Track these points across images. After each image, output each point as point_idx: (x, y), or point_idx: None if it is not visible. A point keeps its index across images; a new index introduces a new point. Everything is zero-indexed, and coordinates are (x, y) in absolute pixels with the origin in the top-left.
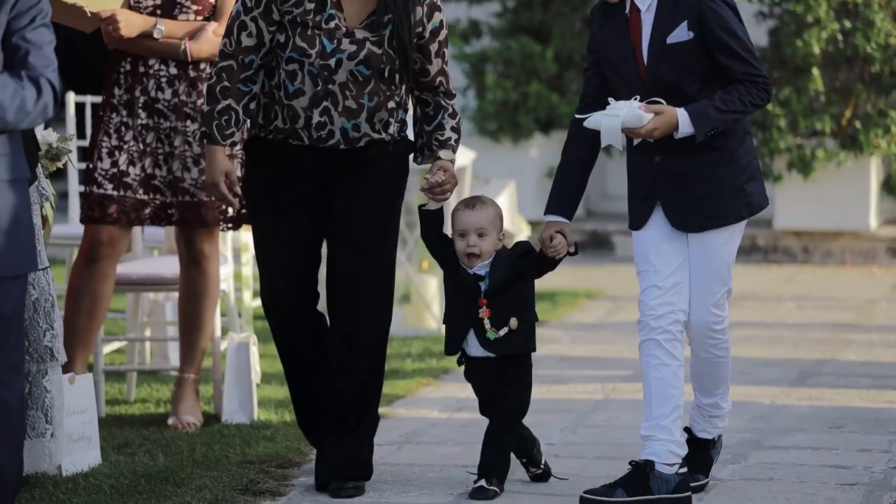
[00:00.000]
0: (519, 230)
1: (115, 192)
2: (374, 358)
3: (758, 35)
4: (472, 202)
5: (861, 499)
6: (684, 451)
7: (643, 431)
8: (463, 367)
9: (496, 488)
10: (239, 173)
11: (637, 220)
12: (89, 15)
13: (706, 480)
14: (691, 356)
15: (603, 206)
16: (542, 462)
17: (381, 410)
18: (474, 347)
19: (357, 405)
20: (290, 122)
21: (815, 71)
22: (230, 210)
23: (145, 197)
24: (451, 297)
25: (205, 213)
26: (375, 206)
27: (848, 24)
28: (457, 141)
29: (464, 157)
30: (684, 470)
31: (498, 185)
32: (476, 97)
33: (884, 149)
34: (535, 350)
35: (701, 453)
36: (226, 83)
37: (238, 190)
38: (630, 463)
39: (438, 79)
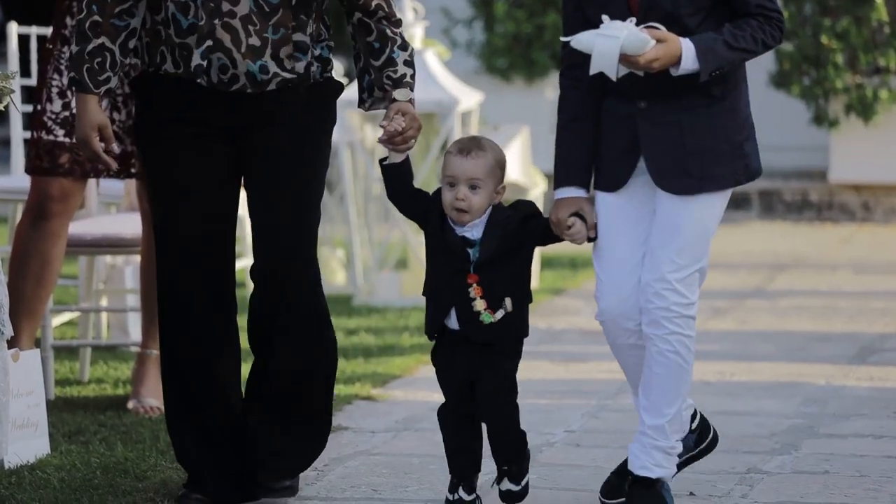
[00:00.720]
0: (533, 184)
1: (67, 139)
2: (312, 302)
3: None
4: (467, 147)
5: None
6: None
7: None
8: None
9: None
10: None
11: (614, 179)
12: None
13: None
14: (647, 355)
15: None
16: (525, 480)
17: (373, 392)
18: (454, 321)
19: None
20: (182, 65)
21: None
22: None
23: (102, 144)
24: (434, 263)
25: None
26: (294, 163)
27: None
28: (413, 77)
29: (470, 99)
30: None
31: (509, 131)
32: (484, 30)
33: None
34: (527, 335)
35: (641, 497)
36: (97, 17)
37: (115, 148)
38: (620, 470)
39: (376, 1)
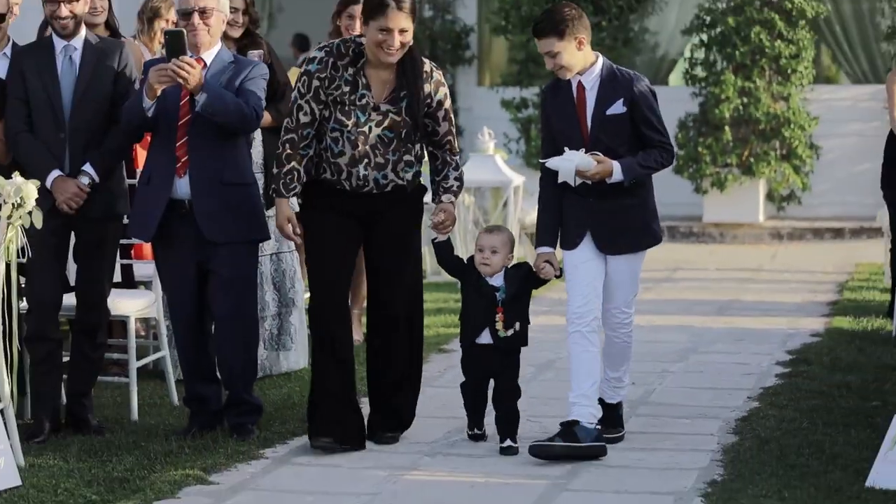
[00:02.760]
0: None
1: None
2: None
3: (692, 106)
4: (492, 228)
5: (754, 382)
6: (600, 413)
7: (571, 399)
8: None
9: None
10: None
11: (571, 242)
12: None
13: (622, 433)
14: (605, 341)
15: None
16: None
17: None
18: (484, 337)
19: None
20: (336, 175)
21: (727, 128)
22: None
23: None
24: (471, 300)
25: None
26: (399, 235)
27: (746, 100)
28: (458, 187)
29: (518, 179)
30: (599, 427)
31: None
32: (525, 143)
33: (767, 174)
34: (526, 345)
35: (611, 413)
36: (289, 151)
37: (299, 230)
38: (560, 424)
39: (447, 138)
